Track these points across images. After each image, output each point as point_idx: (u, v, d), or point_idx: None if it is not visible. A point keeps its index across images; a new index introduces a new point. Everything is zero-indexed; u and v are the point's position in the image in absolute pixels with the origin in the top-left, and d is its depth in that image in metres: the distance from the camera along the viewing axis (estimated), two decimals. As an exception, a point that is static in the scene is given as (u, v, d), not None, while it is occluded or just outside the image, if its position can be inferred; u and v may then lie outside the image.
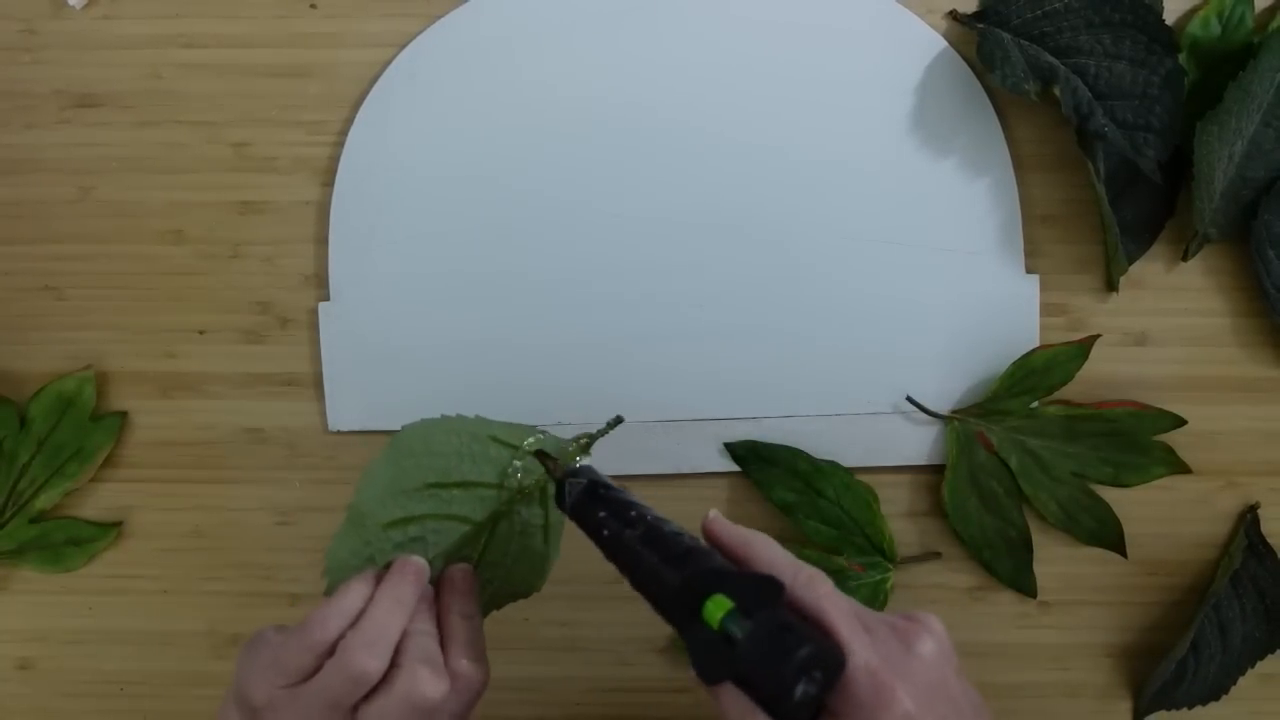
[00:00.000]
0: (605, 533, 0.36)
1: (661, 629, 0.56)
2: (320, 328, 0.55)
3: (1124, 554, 0.54)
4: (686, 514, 0.55)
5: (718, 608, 0.32)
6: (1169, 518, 0.55)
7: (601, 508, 0.37)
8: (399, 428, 0.43)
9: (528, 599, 0.56)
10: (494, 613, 0.56)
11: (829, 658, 0.32)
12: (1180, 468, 0.53)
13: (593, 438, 0.44)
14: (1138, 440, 0.53)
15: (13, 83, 0.55)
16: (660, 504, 0.55)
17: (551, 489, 0.41)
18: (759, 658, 0.31)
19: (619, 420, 0.45)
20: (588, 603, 0.56)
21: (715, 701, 0.34)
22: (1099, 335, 0.53)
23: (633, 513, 0.36)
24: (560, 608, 0.56)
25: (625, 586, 0.55)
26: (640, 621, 0.56)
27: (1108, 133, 0.50)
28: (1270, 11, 0.53)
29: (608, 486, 0.38)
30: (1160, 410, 0.53)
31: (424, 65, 0.54)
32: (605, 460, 0.55)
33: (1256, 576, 0.53)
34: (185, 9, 0.54)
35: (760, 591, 0.33)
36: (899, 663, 0.34)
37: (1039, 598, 0.55)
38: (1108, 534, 0.54)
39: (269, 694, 0.39)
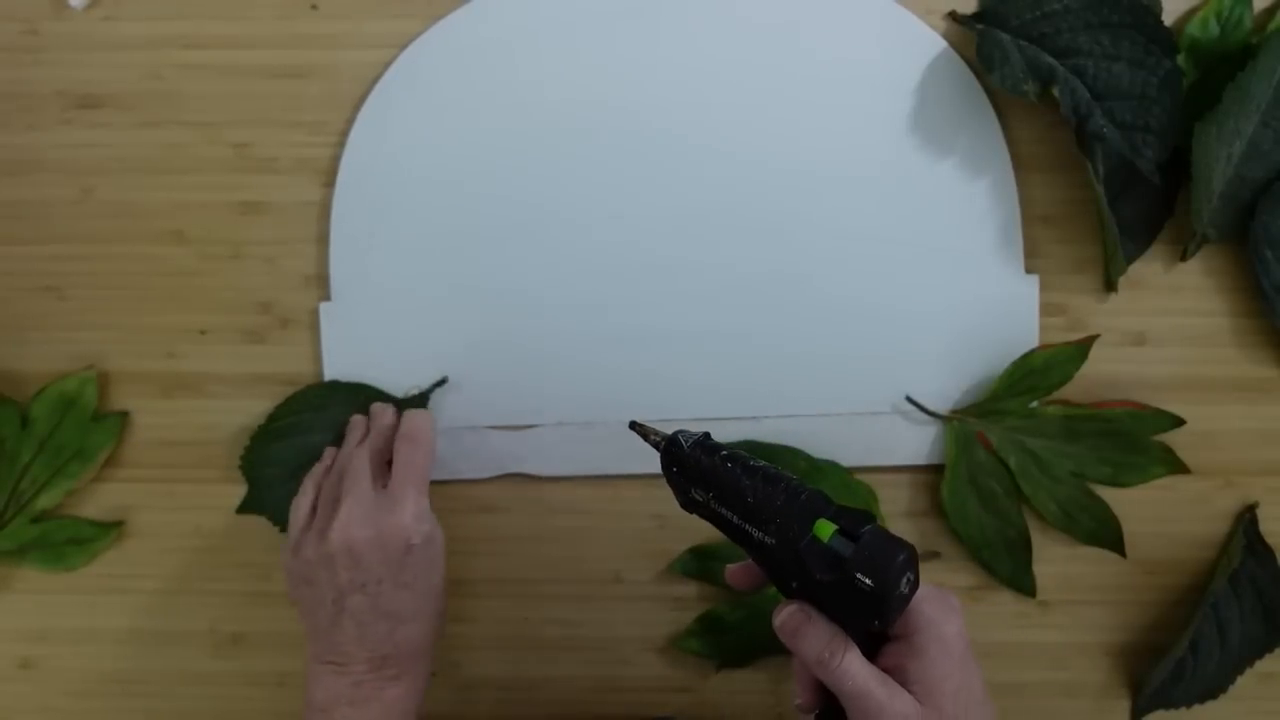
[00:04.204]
0: (730, 465, 0.40)
1: (661, 629, 0.56)
2: (321, 328, 0.55)
3: (1123, 554, 0.54)
4: (686, 514, 0.55)
5: (825, 528, 0.38)
6: (1167, 517, 0.55)
7: (720, 450, 0.41)
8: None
9: (528, 599, 0.56)
10: (494, 613, 0.56)
11: (917, 566, 0.38)
12: (1179, 468, 0.53)
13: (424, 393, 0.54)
14: (1136, 440, 0.53)
15: (14, 83, 0.55)
16: (660, 504, 0.56)
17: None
18: (869, 557, 0.37)
19: (444, 380, 0.54)
20: (588, 603, 0.56)
21: (796, 641, 0.39)
22: (1098, 335, 0.53)
23: (742, 454, 0.41)
24: (560, 608, 0.56)
25: (625, 586, 0.56)
26: (640, 621, 0.56)
27: (1106, 133, 0.50)
28: (1269, 12, 0.53)
29: (710, 437, 0.42)
30: (1159, 410, 0.53)
31: (425, 66, 0.54)
32: (606, 459, 0.55)
33: (1255, 576, 0.53)
34: (186, 10, 0.54)
35: (858, 517, 0.39)
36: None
37: (1038, 597, 0.55)
38: (1106, 534, 0.54)
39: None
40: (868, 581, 0.37)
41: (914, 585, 0.38)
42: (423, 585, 0.48)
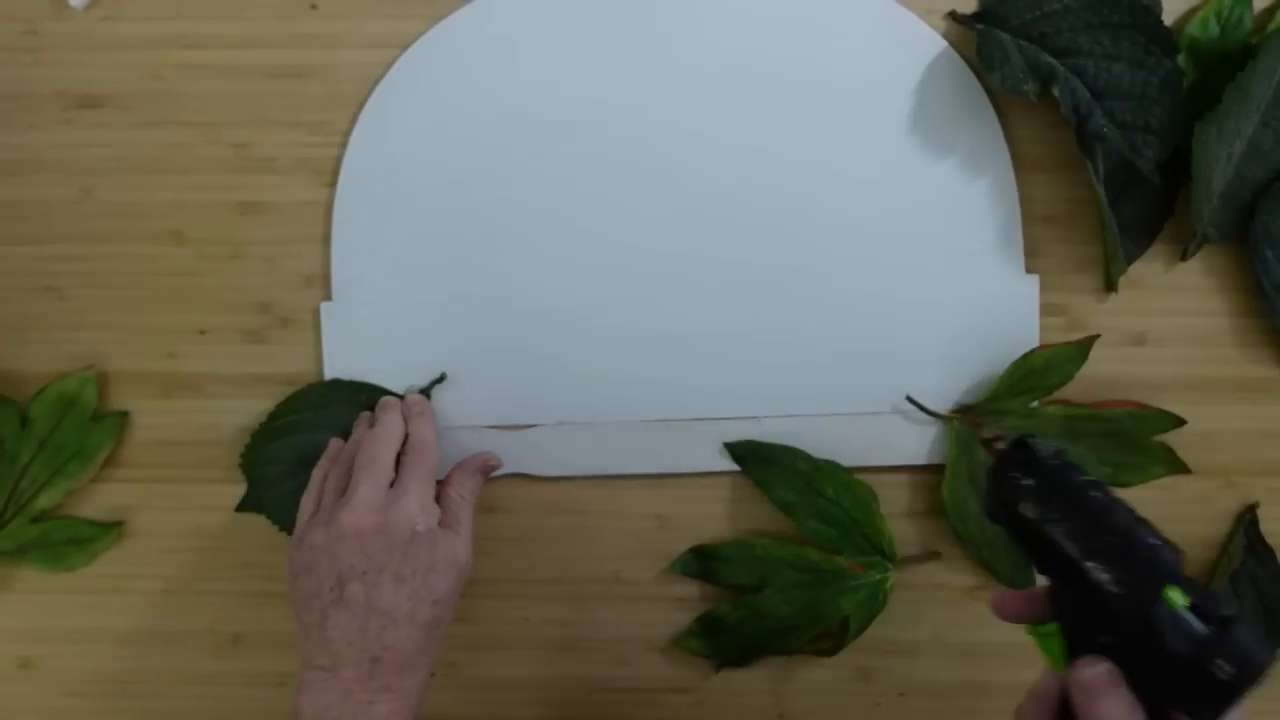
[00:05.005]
0: (1093, 493, 0.37)
1: (661, 629, 0.56)
2: (322, 328, 0.55)
3: (1123, 554, 0.54)
4: (687, 514, 0.56)
5: (1177, 596, 0.36)
6: (1168, 518, 0.54)
7: (1081, 471, 0.38)
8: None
9: (528, 599, 0.56)
10: (494, 613, 0.56)
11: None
12: (1179, 468, 0.53)
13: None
14: (1137, 440, 0.53)
15: (14, 83, 0.55)
16: (660, 504, 0.56)
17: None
18: (1241, 648, 0.34)
19: (443, 377, 0.55)
20: (588, 603, 0.56)
21: (1095, 702, 0.36)
22: (1098, 335, 0.53)
23: (1103, 482, 0.38)
24: (560, 608, 0.56)
25: (625, 586, 0.56)
26: (640, 621, 0.56)
27: (1106, 133, 0.50)
28: (1269, 12, 0.53)
29: (1065, 453, 0.39)
30: (1159, 410, 0.53)
31: (426, 66, 0.54)
32: (606, 459, 0.55)
33: (1255, 576, 0.53)
34: (186, 10, 0.54)
35: (1209, 595, 0.36)
36: None
37: (1038, 597, 0.55)
38: (1107, 534, 0.54)
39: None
40: (1228, 670, 0.34)
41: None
42: (419, 585, 0.47)
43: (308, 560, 0.48)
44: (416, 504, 0.48)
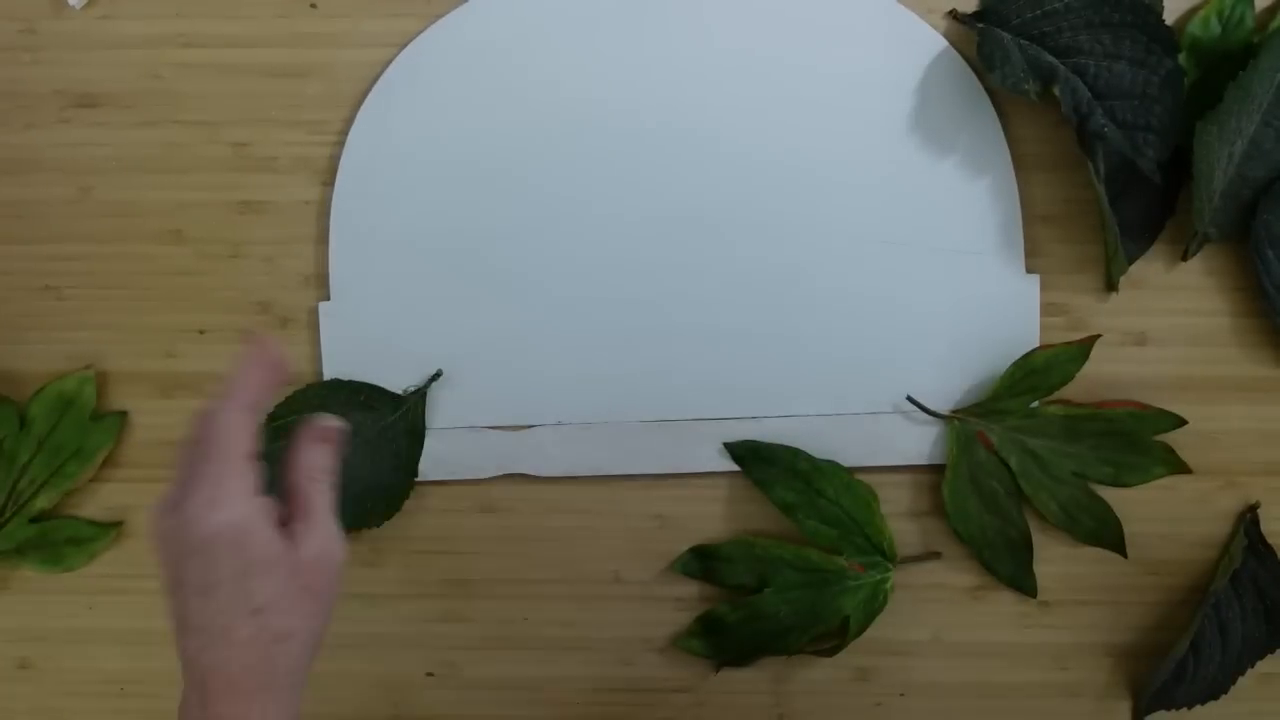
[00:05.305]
0: None
1: (661, 629, 0.56)
2: (321, 328, 0.55)
3: (1124, 554, 0.54)
4: (687, 514, 0.55)
5: None
6: (1169, 517, 0.55)
7: None
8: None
9: (528, 599, 0.56)
10: (494, 613, 0.56)
11: None
12: (1180, 467, 0.53)
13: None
14: (1138, 440, 0.53)
15: (12, 82, 0.55)
16: (660, 504, 0.55)
17: None
18: None
19: (439, 374, 0.54)
20: (588, 603, 0.56)
21: None
22: (1099, 335, 0.53)
23: None
24: (560, 608, 0.56)
25: (625, 586, 0.56)
26: (640, 621, 0.56)
27: (1107, 132, 0.50)
28: (1270, 11, 0.53)
29: None
30: (1160, 410, 0.53)
31: (425, 65, 0.54)
32: (605, 459, 0.55)
33: (1256, 576, 0.53)
34: (185, 9, 0.54)
35: None
36: None
37: (1039, 597, 0.55)
38: (1108, 534, 0.54)
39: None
40: None
41: None
42: (227, 596, 0.39)
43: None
44: (203, 498, 0.39)
